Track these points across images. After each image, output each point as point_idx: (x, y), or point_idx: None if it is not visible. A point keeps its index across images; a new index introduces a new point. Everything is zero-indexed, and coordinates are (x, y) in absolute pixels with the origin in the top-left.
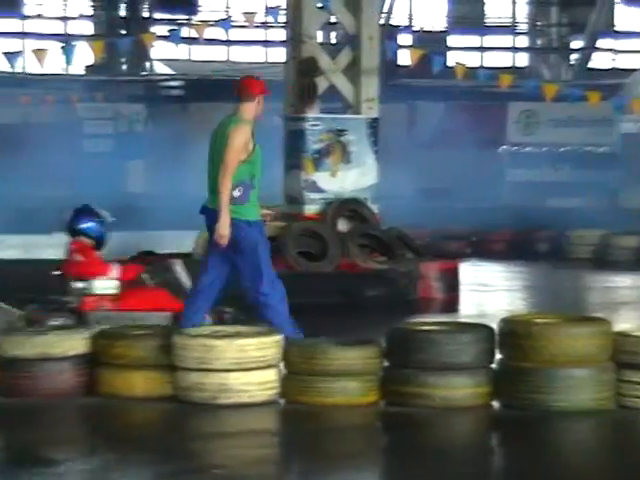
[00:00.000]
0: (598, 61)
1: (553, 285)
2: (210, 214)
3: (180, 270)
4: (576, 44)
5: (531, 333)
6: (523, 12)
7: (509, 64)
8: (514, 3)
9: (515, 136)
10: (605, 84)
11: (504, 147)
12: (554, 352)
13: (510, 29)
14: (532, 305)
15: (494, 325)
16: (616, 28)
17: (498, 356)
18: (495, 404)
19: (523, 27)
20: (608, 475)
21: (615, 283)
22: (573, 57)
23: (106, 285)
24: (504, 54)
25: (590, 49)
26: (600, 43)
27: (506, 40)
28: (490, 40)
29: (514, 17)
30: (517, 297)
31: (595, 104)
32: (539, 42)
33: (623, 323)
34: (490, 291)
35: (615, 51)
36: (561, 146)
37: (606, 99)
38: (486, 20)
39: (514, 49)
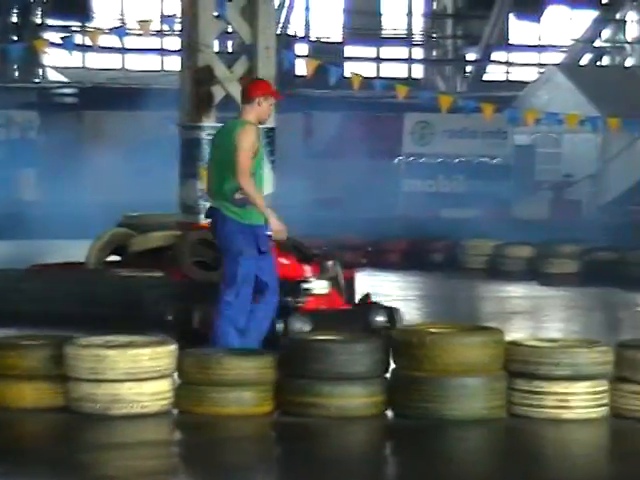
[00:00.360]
0: (492, 73)
1: (447, 295)
2: (214, 216)
3: (339, 270)
4: (471, 56)
5: (425, 343)
6: (419, 24)
7: (405, 75)
8: (410, 15)
9: (410, 147)
10: (499, 96)
11: (400, 157)
12: (447, 361)
13: (406, 40)
14: (427, 315)
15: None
16: (510, 41)
17: (393, 366)
18: (389, 413)
19: (419, 39)
20: None
21: (508, 293)
22: (468, 69)
23: (322, 285)
24: (400, 65)
25: (484, 61)
26: (494, 56)
27: (402, 51)
28: (386, 51)
29: (410, 29)
30: (412, 307)
31: (489, 116)
32: (434, 54)
33: (515, 332)
34: (385, 301)
35: (509, 64)
36: (456, 157)
37: (500, 111)
38: (382, 31)
39: (410, 60)
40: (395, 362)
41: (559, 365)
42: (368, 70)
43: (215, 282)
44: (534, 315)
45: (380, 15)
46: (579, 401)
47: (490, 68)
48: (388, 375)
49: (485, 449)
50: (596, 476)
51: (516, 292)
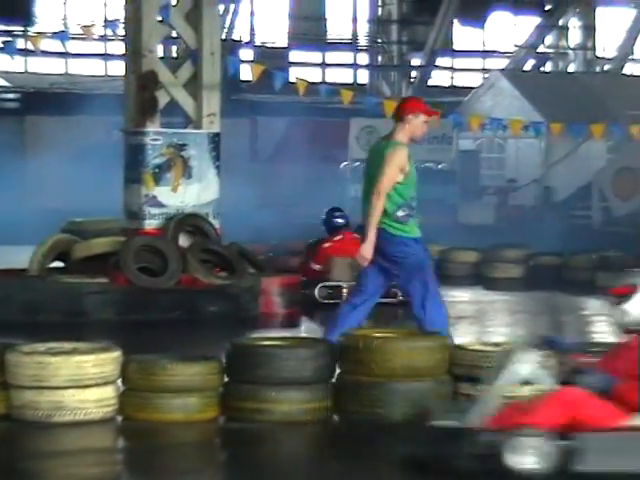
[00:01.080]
0: (437, 79)
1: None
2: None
3: None
4: (416, 62)
5: (371, 347)
6: (364, 29)
7: (350, 80)
8: (355, 21)
9: (357, 152)
10: (444, 102)
11: (346, 163)
12: (394, 366)
13: (351, 46)
14: (373, 320)
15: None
16: (454, 47)
17: (338, 370)
18: (335, 418)
19: (364, 44)
20: None
21: (453, 297)
22: (413, 74)
23: None
24: (345, 70)
25: (429, 67)
26: (439, 61)
27: (347, 57)
28: (332, 57)
29: (355, 34)
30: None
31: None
32: (380, 59)
33: (461, 337)
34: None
35: (453, 69)
36: None
37: (444, 116)
38: (327, 37)
39: (355, 66)
40: (341, 367)
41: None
42: (313, 75)
43: (159, 288)
44: (479, 319)
45: (325, 20)
46: None
47: (435, 73)
48: (334, 380)
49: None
50: None
51: (461, 297)
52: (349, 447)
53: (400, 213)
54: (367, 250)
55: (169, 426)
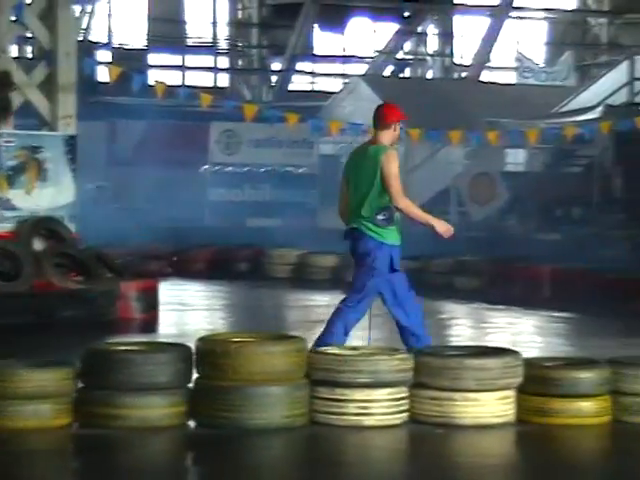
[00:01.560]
0: (298, 83)
1: (253, 304)
2: (354, 234)
3: None
4: (276, 66)
5: (229, 352)
6: (224, 33)
7: (211, 84)
8: (214, 24)
9: (217, 156)
10: (304, 106)
11: (206, 166)
12: (251, 370)
13: (211, 49)
14: (232, 324)
15: (192, 344)
16: (314, 52)
17: (196, 375)
18: (192, 423)
19: (224, 47)
20: None
21: (313, 301)
22: (273, 79)
23: None
24: (206, 74)
25: (290, 71)
26: (299, 66)
27: (207, 60)
28: (191, 60)
29: (215, 37)
30: (217, 316)
31: (293, 125)
32: (240, 63)
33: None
34: (190, 310)
35: (314, 74)
36: (262, 166)
37: (304, 121)
38: (187, 39)
39: (215, 69)
40: (198, 371)
41: (360, 373)
42: (173, 78)
43: (13, 292)
44: None
45: (185, 23)
46: (380, 408)
47: (295, 78)
48: (191, 385)
49: (287, 458)
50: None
51: (321, 301)
52: (206, 452)
53: (380, 217)
54: (442, 224)
55: (21, 433)
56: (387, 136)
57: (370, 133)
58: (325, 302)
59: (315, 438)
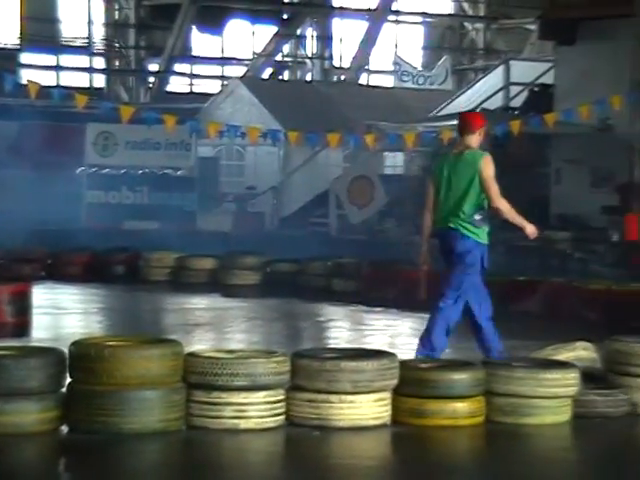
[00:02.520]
0: (176, 85)
1: (130, 307)
2: (448, 234)
3: None
4: (154, 67)
5: (103, 356)
6: (100, 33)
7: (87, 85)
8: (90, 23)
9: (93, 157)
10: (183, 108)
11: (82, 168)
12: (126, 374)
13: (87, 49)
14: (108, 328)
15: (67, 348)
16: (193, 53)
17: (69, 380)
18: (66, 429)
19: (100, 48)
20: None
21: (191, 305)
22: (151, 80)
23: None
24: (81, 74)
25: (168, 73)
26: (177, 67)
27: (83, 60)
28: (66, 60)
29: (91, 37)
30: (93, 320)
31: (171, 127)
32: (117, 64)
33: (197, 344)
34: (65, 314)
35: (192, 76)
36: (139, 168)
37: (183, 123)
38: (62, 39)
39: (91, 70)
40: (72, 376)
41: (237, 376)
42: (47, 78)
43: None
44: (216, 326)
45: (59, 22)
46: (256, 411)
47: (173, 79)
48: (64, 389)
49: (163, 462)
50: None
51: (199, 304)
52: (79, 458)
53: (477, 217)
54: (530, 226)
55: None
56: (475, 141)
57: (251, 135)
58: (203, 305)
59: (191, 442)
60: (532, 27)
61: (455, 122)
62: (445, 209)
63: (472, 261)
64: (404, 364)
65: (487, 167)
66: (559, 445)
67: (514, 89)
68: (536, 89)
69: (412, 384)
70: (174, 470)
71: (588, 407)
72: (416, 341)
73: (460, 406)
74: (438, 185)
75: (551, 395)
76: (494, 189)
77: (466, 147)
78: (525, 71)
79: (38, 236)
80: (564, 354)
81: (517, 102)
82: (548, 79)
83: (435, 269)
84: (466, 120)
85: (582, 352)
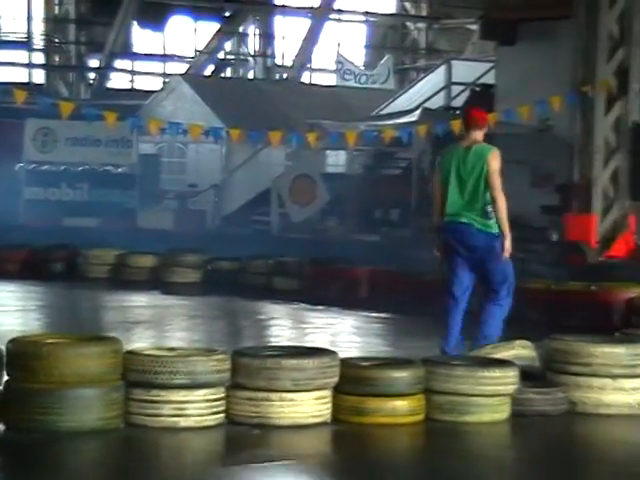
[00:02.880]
0: (117, 81)
1: (69, 305)
2: (462, 229)
3: None
4: (94, 63)
5: (41, 353)
6: (39, 28)
7: (26, 80)
8: (30, 19)
9: (32, 154)
10: (124, 105)
11: (21, 164)
12: (65, 372)
13: (26, 45)
14: (47, 325)
15: (2, 346)
16: (134, 50)
17: (6, 378)
18: (2, 427)
19: (40, 43)
20: None
21: (131, 302)
22: (92, 76)
23: None
24: (20, 70)
25: (108, 69)
26: (118, 64)
27: (22, 56)
28: (4, 55)
29: (30, 33)
30: (31, 317)
31: (112, 124)
32: (57, 59)
33: (137, 342)
34: (2, 312)
35: (133, 72)
36: (79, 165)
37: (123, 119)
38: (0, 34)
39: (30, 65)
40: (9, 374)
41: (177, 374)
42: None
43: None
44: (157, 324)
45: None
46: (196, 409)
47: (114, 76)
48: (1, 388)
49: (101, 461)
50: None
51: (139, 301)
52: (15, 457)
53: (489, 209)
54: (510, 243)
55: None
56: (481, 135)
57: (193, 132)
58: (143, 303)
59: (130, 441)
60: (473, 27)
61: (397, 121)
62: (457, 203)
63: (498, 250)
64: (345, 362)
65: (494, 160)
66: (497, 443)
67: (455, 89)
68: (477, 89)
69: (352, 382)
70: (112, 469)
71: (526, 405)
72: (357, 339)
73: (400, 404)
74: (445, 179)
75: (490, 393)
76: (497, 182)
77: (474, 141)
78: (466, 71)
79: None
80: (503, 352)
81: (458, 102)
82: (489, 79)
83: (380, 268)
84: (473, 116)
85: (521, 351)
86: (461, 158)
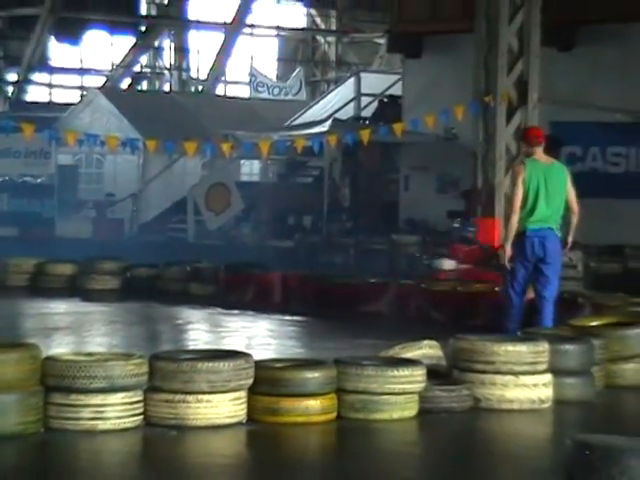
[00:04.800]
0: (34, 94)
1: None
2: (547, 234)
3: None
4: (12, 77)
5: None
6: None
7: None
8: None
9: None
10: (42, 117)
11: None
12: None
13: None
14: None
15: None
16: (51, 63)
17: None
18: None
19: None
20: None
21: (50, 309)
22: (10, 89)
23: None
24: None
25: (26, 82)
26: (36, 77)
27: None
28: None
29: None
30: None
31: (29, 136)
32: None
33: (56, 348)
34: None
35: (51, 85)
36: None
37: (41, 131)
38: None
39: None
40: None
41: (95, 378)
42: None
43: None
44: (76, 330)
45: None
46: (114, 412)
47: (32, 89)
48: None
49: (19, 466)
50: None
51: (58, 308)
52: None
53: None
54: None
55: None
56: (542, 150)
57: (110, 144)
58: (63, 309)
59: (49, 444)
60: (381, 41)
61: (309, 131)
62: (545, 212)
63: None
64: (259, 364)
65: (569, 177)
66: (405, 439)
67: (364, 100)
68: (385, 100)
69: (267, 383)
70: (31, 473)
71: (434, 403)
72: (271, 341)
73: (312, 403)
74: (532, 191)
75: (399, 392)
76: (574, 197)
77: (548, 159)
78: (375, 83)
79: None
80: (411, 352)
81: (367, 112)
82: (396, 90)
83: (294, 273)
84: (534, 135)
85: (428, 350)
86: (545, 173)
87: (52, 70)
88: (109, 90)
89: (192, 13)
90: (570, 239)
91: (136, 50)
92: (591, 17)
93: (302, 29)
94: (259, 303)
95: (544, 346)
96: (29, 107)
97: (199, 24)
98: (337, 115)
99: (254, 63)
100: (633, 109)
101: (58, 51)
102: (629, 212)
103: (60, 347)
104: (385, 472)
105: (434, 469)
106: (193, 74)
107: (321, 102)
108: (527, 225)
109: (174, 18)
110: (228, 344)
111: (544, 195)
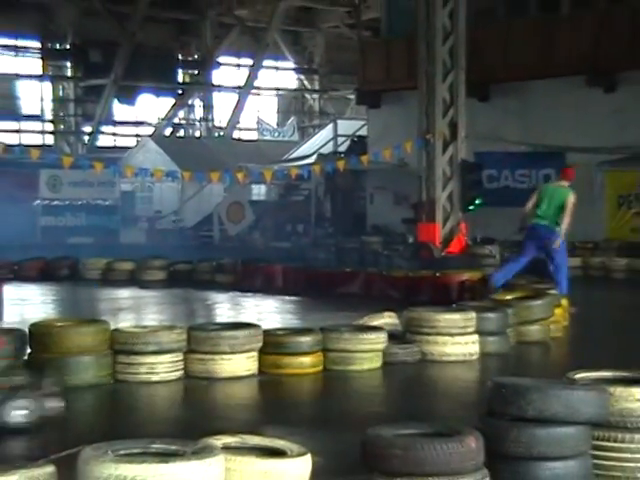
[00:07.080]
0: (104, 141)
1: (72, 298)
2: (541, 229)
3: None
4: (87, 129)
5: (52, 333)
6: (49, 106)
7: (40, 142)
8: (42, 100)
9: (46, 193)
10: (109, 157)
11: (37, 201)
12: (68, 345)
13: (40, 117)
14: (59, 313)
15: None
16: (115, 118)
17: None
18: None
19: (49, 116)
20: None
21: (116, 295)
22: (86, 138)
23: None
24: (36, 135)
25: (97, 133)
26: (104, 128)
27: (37, 125)
28: (24, 125)
29: (42, 109)
30: (50, 308)
31: (99, 170)
32: (62, 127)
33: (121, 322)
34: (28, 304)
35: (115, 134)
36: (79, 200)
37: (108, 167)
38: (22, 110)
39: (43, 132)
40: (31, 347)
41: (149, 344)
42: (11, 139)
43: None
44: (135, 310)
45: (19, 98)
46: (163, 368)
47: (101, 137)
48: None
49: (95, 406)
50: (174, 420)
51: (122, 294)
52: None
53: (559, 221)
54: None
55: None
56: (567, 183)
57: (157, 175)
58: (126, 295)
59: (117, 392)
60: (351, 96)
61: (300, 163)
62: (545, 216)
63: (563, 244)
64: (266, 332)
65: (572, 198)
66: (373, 384)
67: (340, 139)
68: (355, 139)
69: (272, 345)
70: (104, 412)
71: (393, 357)
72: (276, 316)
73: (305, 360)
74: (541, 200)
75: (368, 350)
76: (571, 214)
77: (561, 185)
78: (347, 127)
79: (4, 251)
80: (376, 321)
81: (343, 148)
82: (363, 132)
83: (290, 266)
84: (569, 173)
85: (388, 319)
86: (552, 192)
87: (115, 123)
88: (156, 137)
89: (215, 79)
90: (562, 233)
91: (175, 107)
92: (501, 77)
93: (294, 89)
94: (266, 288)
95: (472, 314)
96: (99, 150)
97: (220, 87)
98: (321, 151)
99: (260, 115)
100: (532, 142)
101: (120, 109)
102: None
103: (124, 322)
104: (359, 407)
105: (394, 404)
106: (216, 124)
107: (308, 142)
108: (534, 220)
109: (202, 83)
110: (244, 318)
111: (546, 206)
